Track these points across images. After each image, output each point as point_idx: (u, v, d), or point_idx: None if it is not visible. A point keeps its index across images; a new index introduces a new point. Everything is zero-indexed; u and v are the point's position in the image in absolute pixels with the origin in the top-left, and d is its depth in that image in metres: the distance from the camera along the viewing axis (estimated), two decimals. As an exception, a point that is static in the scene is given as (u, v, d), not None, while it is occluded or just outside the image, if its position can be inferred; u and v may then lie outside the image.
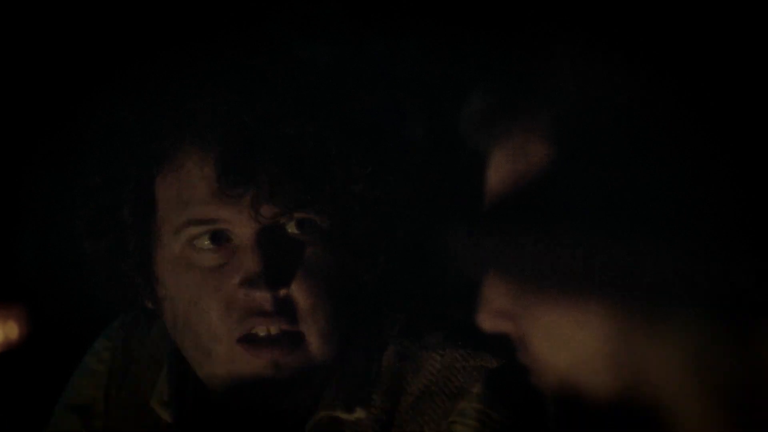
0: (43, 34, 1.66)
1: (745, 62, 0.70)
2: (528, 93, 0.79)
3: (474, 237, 0.86)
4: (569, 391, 0.76)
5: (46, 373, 1.39)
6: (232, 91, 1.10)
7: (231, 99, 1.09)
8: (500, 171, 0.81)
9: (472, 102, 0.86)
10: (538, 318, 0.77)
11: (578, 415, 0.76)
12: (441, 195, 1.15)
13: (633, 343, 0.72)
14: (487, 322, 0.83)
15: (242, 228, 1.08)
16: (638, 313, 0.72)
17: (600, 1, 0.76)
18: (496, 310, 0.82)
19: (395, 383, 1.14)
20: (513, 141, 0.80)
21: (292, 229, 1.10)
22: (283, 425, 1.15)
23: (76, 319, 1.36)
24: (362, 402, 1.13)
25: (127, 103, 1.15)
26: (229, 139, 1.07)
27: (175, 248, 1.11)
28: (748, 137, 0.69)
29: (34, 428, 1.33)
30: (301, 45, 1.38)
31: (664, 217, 0.70)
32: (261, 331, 1.09)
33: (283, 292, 1.08)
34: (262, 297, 1.07)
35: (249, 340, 1.08)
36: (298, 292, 1.09)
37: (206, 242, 1.09)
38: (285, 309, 1.08)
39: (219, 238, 1.09)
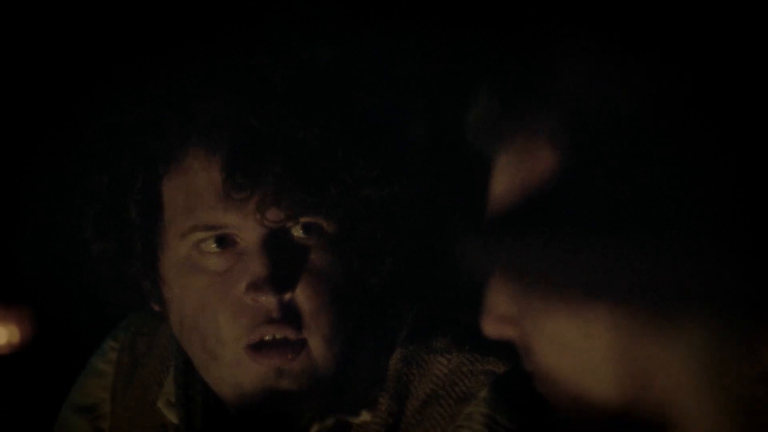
0: (46, 34, 1.66)
1: (751, 62, 0.70)
2: (533, 94, 0.78)
3: (478, 240, 0.86)
4: (575, 398, 0.76)
5: (52, 374, 1.39)
6: (236, 92, 1.09)
7: (235, 100, 1.09)
8: (505, 173, 0.81)
9: (477, 103, 0.86)
10: (543, 324, 0.77)
11: (584, 421, 0.77)
12: (445, 197, 1.15)
13: (640, 349, 0.72)
14: (492, 327, 0.82)
15: (248, 232, 1.08)
16: (645, 319, 0.71)
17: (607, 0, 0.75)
18: (500, 315, 0.82)
19: (402, 387, 1.14)
20: (518, 143, 0.79)
21: (298, 233, 1.09)
22: (290, 428, 1.15)
23: (80, 320, 1.36)
24: (369, 405, 1.14)
25: (131, 103, 1.15)
26: (235, 142, 1.07)
27: (181, 251, 1.10)
28: (757, 140, 0.69)
29: (41, 430, 1.33)
30: (301, 45, 1.38)
31: (672, 221, 0.70)
32: (267, 336, 1.08)
33: (288, 296, 1.07)
34: (268, 301, 1.07)
35: (255, 347, 1.08)
36: (302, 296, 1.08)
37: (212, 246, 1.09)
38: (290, 314, 1.08)
39: (225, 241, 1.09)
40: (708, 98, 0.69)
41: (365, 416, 1.13)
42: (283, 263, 1.08)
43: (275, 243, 1.08)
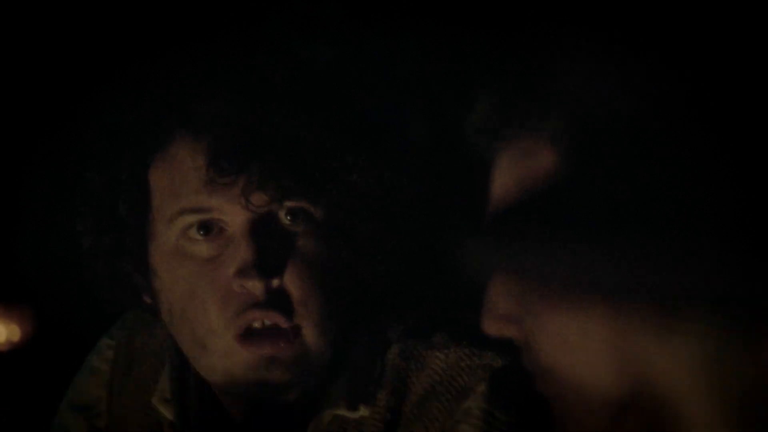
0: (46, 34, 1.66)
1: (750, 62, 0.70)
2: (533, 95, 0.78)
3: (478, 240, 0.86)
4: (575, 395, 0.76)
5: (50, 372, 1.39)
6: (224, 82, 1.10)
7: (223, 89, 1.09)
8: (505, 173, 0.81)
9: (478, 104, 0.86)
10: (543, 323, 0.77)
11: (583, 418, 0.77)
12: (445, 197, 1.15)
13: (640, 348, 0.72)
14: (492, 326, 0.82)
15: (234, 217, 1.08)
16: (645, 318, 0.71)
17: (609, 1, 0.75)
18: (501, 314, 0.82)
19: (399, 382, 1.14)
20: (518, 144, 0.79)
21: (284, 218, 1.10)
22: (286, 423, 1.15)
23: (80, 319, 1.36)
24: (366, 400, 1.13)
25: (121, 94, 1.15)
26: (221, 129, 1.07)
27: (169, 239, 1.11)
28: (757, 140, 0.69)
29: (38, 428, 1.33)
30: (301, 45, 1.38)
31: (672, 221, 0.70)
32: (257, 324, 1.08)
33: (275, 282, 1.07)
34: (255, 286, 1.07)
35: (245, 335, 1.08)
36: (291, 282, 1.08)
37: (198, 232, 1.09)
38: (279, 301, 1.08)
39: (212, 228, 1.09)
40: (708, 98, 0.69)
41: (363, 411, 1.13)
42: (270, 249, 1.08)
43: (262, 229, 1.08)
